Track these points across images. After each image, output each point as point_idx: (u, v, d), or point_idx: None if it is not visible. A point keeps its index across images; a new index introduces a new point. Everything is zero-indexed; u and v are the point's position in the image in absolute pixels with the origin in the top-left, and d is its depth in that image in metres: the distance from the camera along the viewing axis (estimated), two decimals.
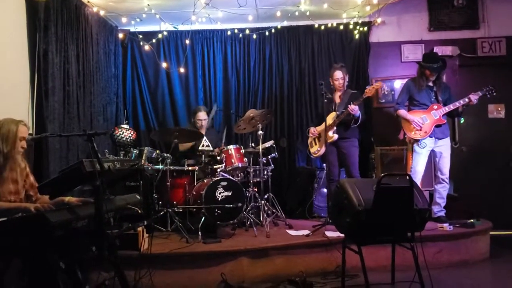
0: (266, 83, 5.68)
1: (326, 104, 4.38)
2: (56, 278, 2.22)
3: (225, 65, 5.72)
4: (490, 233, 4.26)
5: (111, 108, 5.17)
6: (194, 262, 3.48)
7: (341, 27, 5.56)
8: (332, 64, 5.12)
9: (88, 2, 4.56)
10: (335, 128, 4.52)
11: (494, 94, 4.40)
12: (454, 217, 4.39)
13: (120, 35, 5.47)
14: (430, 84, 4.48)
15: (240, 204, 4.13)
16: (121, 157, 4.51)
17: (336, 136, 4.51)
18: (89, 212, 2.40)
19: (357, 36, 5.54)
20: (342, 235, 3.22)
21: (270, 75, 5.69)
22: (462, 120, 5.32)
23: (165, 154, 4.53)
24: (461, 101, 4.34)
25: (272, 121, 5.53)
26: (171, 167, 4.41)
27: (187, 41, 5.56)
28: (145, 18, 5.15)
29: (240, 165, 4.45)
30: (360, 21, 5.52)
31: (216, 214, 4.05)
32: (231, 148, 4.53)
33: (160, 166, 4.44)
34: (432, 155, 4.51)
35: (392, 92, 5.56)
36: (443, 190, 4.44)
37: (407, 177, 2.92)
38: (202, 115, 5.09)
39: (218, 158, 4.57)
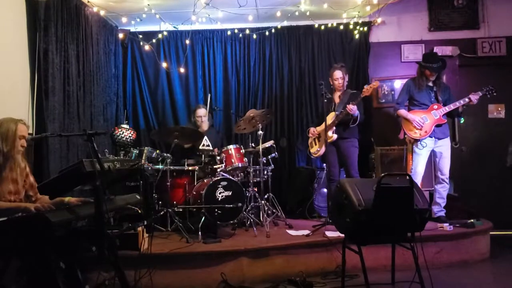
0: (266, 83, 5.68)
1: (326, 104, 4.38)
2: (55, 278, 2.23)
3: (225, 65, 5.72)
4: (490, 233, 4.26)
5: (111, 108, 5.17)
6: (194, 262, 3.48)
7: (341, 27, 5.57)
8: (332, 64, 5.13)
9: (88, 2, 4.55)
10: (334, 128, 4.52)
11: (494, 94, 4.40)
12: (454, 217, 4.39)
13: (120, 35, 5.47)
14: (430, 84, 4.48)
15: (240, 204, 4.13)
16: (121, 157, 4.51)
17: (335, 136, 4.51)
18: (89, 212, 2.40)
19: (357, 36, 5.54)
20: (342, 235, 3.22)
21: (270, 75, 5.69)
22: (462, 120, 5.32)
23: (165, 154, 4.53)
24: (461, 101, 4.34)
25: (272, 121, 5.52)
26: (171, 167, 4.41)
27: (187, 41, 5.56)
28: (145, 18, 5.15)
29: (240, 165, 4.45)
30: (360, 21, 5.52)
31: (216, 214, 4.05)
32: (231, 148, 4.53)
33: (160, 166, 4.44)
34: (432, 155, 4.51)
35: (392, 92, 5.56)
36: (443, 190, 4.44)
37: (407, 177, 2.92)
38: (201, 112, 5.09)
39: (218, 158, 4.58)
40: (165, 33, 5.53)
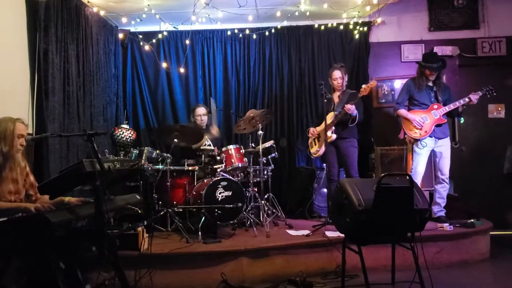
0: (266, 83, 5.68)
1: (326, 104, 4.39)
2: (55, 278, 2.23)
3: (225, 65, 5.72)
4: (490, 233, 4.26)
5: (111, 108, 5.17)
6: (194, 262, 3.48)
7: (341, 27, 5.57)
8: (332, 64, 5.12)
9: (88, 2, 4.56)
10: (333, 128, 4.52)
11: (494, 94, 4.40)
12: (454, 217, 4.39)
13: (120, 35, 5.47)
14: (430, 84, 4.48)
15: (240, 204, 4.13)
16: (121, 157, 4.52)
17: (334, 136, 4.51)
18: (89, 212, 2.40)
19: (357, 36, 5.54)
20: (342, 235, 3.22)
21: (270, 75, 5.69)
22: (462, 120, 5.32)
23: (165, 154, 4.53)
24: (461, 101, 4.34)
25: (272, 121, 5.53)
26: (171, 167, 4.41)
27: (187, 41, 5.56)
28: (145, 18, 5.15)
29: (240, 165, 4.45)
30: (360, 21, 5.52)
31: (216, 214, 4.05)
32: (231, 148, 4.53)
33: (160, 166, 4.44)
34: (432, 155, 4.51)
35: (392, 92, 5.57)
36: (443, 190, 4.44)
37: (407, 177, 2.92)
38: (200, 110, 5.09)
39: (218, 158, 4.58)
40: (165, 33, 5.53)
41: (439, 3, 5.56)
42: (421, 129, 4.37)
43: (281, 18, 5.37)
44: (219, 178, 4.22)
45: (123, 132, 4.82)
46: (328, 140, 4.49)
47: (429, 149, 4.41)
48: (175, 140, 4.48)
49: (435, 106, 4.40)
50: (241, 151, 4.56)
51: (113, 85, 5.27)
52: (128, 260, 3.10)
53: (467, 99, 4.33)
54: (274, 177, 5.01)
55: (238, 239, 3.94)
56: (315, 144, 4.78)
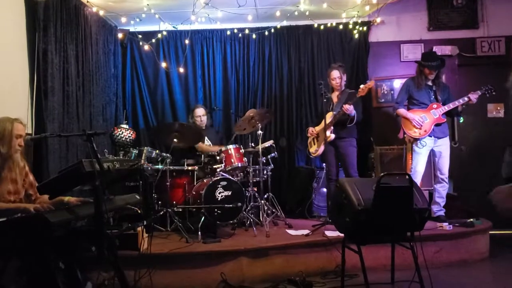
0: (265, 82, 5.68)
1: (325, 104, 4.39)
2: (55, 278, 2.23)
3: (225, 65, 5.71)
4: (490, 232, 4.27)
5: (110, 108, 5.16)
6: (194, 262, 3.48)
7: (341, 26, 5.57)
8: (331, 63, 5.12)
9: (88, 2, 4.55)
10: (332, 128, 4.52)
11: (494, 93, 4.40)
12: (453, 217, 4.39)
13: (120, 35, 5.46)
14: (429, 83, 4.48)
15: (239, 204, 4.13)
16: (121, 157, 4.51)
17: (333, 136, 4.51)
18: (88, 212, 2.40)
19: (356, 36, 5.54)
20: (342, 234, 3.22)
21: (269, 75, 5.69)
22: (461, 120, 5.32)
23: (164, 154, 4.53)
24: (461, 100, 4.34)
25: (272, 120, 5.52)
26: (171, 167, 4.41)
27: (187, 41, 5.56)
28: (145, 18, 5.15)
29: (239, 165, 4.45)
30: (359, 21, 5.52)
31: (215, 214, 4.05)
32: (231, 147, 4.53)
33: (160, 166, 4.44)
34: (432, 155, 4.51)
35: (392, 92, 5.57)
36: (442, 189, 4.44)
37: (407, 177, 2.92)
38: (199, 111, 5.10)
39: (218, 157, 4.58)
40: (164, 33, 5.53)
41: (439, 2, 5.56)
42: (420, 128, 4.37)
43: (281, 18, 5.37)
44: (218, 178, 4.22)
45: (122, 132, 4.82)
46: (327, 140, 4.49)
47: (428, 149, 4.42)
48: (175, 140, 4.47)
49: (435, 106, 4.40)
50: (240, 151, 4.56)
51: (113, 85, 5.27)
52: (128, 260, 3.10)
53: (466, 99, 4.33)
54: (274, 177, 5.01)
55: (238, 239, 3.94)
56: (314, 144, 4.78)
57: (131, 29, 5.51)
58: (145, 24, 5.41)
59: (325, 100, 4.34)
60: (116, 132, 4.82)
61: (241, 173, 4.72)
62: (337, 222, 3.18)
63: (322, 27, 5.55)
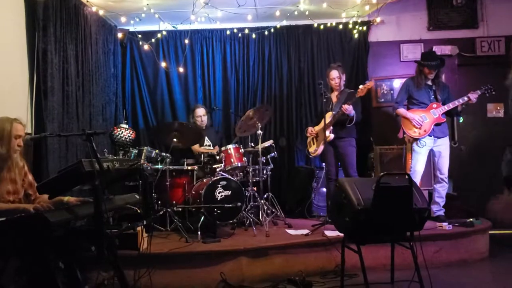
0: (265, 82, 5.68)
1: (325, 104, 4.39)
2: (55, 277, 2.23)
3: (224, 64, 5.71)
4: (489, 232, 4.27)
5: (110, 108, 5.16)
6: (194, 261, 3.48)
7: (340, 26, 5.57)
8: (331, 63, 5.12)
9: (87, 1, 4.55)
10: (331, 128, 4.52)
11: (493, 92, 4.40)
12: (453, 216, 4.39)
13: (119, 35, 5.46)
14: (429, 83, 4.48)
15: (239, 204, 4.13)
16: (120, 157, 4.51)
17: (332, 136, 4.51)
18: (88, 211, 2.40)
19: (356, 36, 5.54)
20: (342, 234, 3.22)
21: (269, 75, 5.69)
22: (461, 119, 5.32)
23: (164, 154, 4.53)
24: (460, 100, 4.34)
25: (272, 120, 5.53)
26: (170, 167, 4.41)
27: (186, 41, 5.56)
28: (144, 18, 5.15)
29: (239, 165, 4.45)
30: (359, 21, 5.53)
31: (215, 213, 4.05)
32: (231, 147, 4.53)
33: (160, 166, 4.44)
34: (431, 155, 4.51)
35: (391, 92, 5.57)
36: (442, 189, 4.44)
37: (406, 176, 2.92)
38: (199, 111, 5.10)
39: (218, 157, 4.58)
40: (164, 32, 5.53)
41: (438, 2, 5.57)
42: (420, 128, 4.37)
43: (280, 18, 5.37)
44: (218, 177, 4.22)
45: (122, 132, 4.82)
46: (327, 140, 4.49)
47: (428, 148, 4.42)
48: (174, 139, 4.47)
49: (434, 105, 4.40)
50: (240, 150, 4.56)
51: (112, 84, 5.27)
52: (127, 259, 3.10)
53: (466, 98, 4.33)
54: (274, 177, 5.01)
55: (238, 239, 3.94)
56: (313, 144, 4.78)
57: (131, 28, 5.51)
58: (145, 24, 5.41)
59: (324, 100, 4.34)
60: (115, 131, 4.82)
61: (241, 173, 4.72)
62: (337, 222, 3.18)
63: (322, 26, 5.55)
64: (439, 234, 3.97)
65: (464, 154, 5.46)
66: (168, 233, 4.18)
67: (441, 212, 4.42)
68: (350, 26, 5.53)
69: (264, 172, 4.70)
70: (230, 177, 4.31)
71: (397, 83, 5.46)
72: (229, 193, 4.17)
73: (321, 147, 4.58)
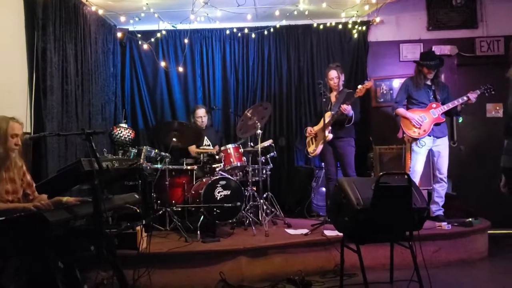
0: (265, 82, 5.68)
1: (324, 104, 4.39)
2: (54, 277, 2.22)
3: (224, 64, 5.71)
4: (488, 232, 4.28)
5: (109, 107, 5.16)
6: (193, 261, 3.48)
7: (340, 26, 5.57)
8: (330, 63, 5.12)
9: (87, 1, 4.55)
10: (330, 128, 4.52)
11: (493, 92, 4.41)
12: (452, 216, 4.40)
13: (119, 34, 5.46)
14: (428, 83, 4.48)
15: (239, 203, 4.13)
16: (120, 156, 4.51)
17: (331, 136, 4.51)
18: (87, 211, 2.40)
19: (355, 35, 5.54)
20: (341, 234, 3.23)
21: (269, 74, 5.69)
22: (460, 119, 5.32)
23: (163, 153, 4.52)
24: (460, 100, 4.35)
25: (271, 120, 5.53)
26: (170, 166, 4.41)
27: (186, 40, 5.55)
28: (144, 17, 5.14)
29: (239, 164, 4.45)
30: (358, 20, 5.52)
31: (215, 213, 4.05)
32: (230, 147, 4.53)
33: (159, 165, 4.43)
34: (430, 154, 4.51)
35: (391, 91, 5.57)
36: (441, 189, 4.45)
37: (406, 176, 2.92)
38: (200, 112, 5.10)
39: (217, 157, 4.57)
40: (163, 32, 5.52)
41: (438, 2, 5.56)
42: (419, 128, 4.37)
43: (280, 17, 5.37)
44: (218, 177, 4.22)
45: (121, 131, 4.82)
46: (326, 140, 4.48)
47: (427, 148, 4.42)
48: (174, 139, 4.47)
49: (434, 105, 4.40)
50: (239, 150, 4.56)
51: (112, 84, 5.27)
52: (127, 259, 3.10)
53: (465, 98, 4.33)
54: (273, 176, 5.01)
55: (237, 238, 3.94)
56: (312, 144, 4.78)
57: (130, 28, 5.50)
58: (144, 23, 5.40)
59: (324, 100, 4.34)
60: (115, 131, 4.81)
61: (240, 173, 4.72)
62: (336, 222, 3.18)
63: (321, 26, 5.55)
64: (438, 234, 3.98)
65: (463, 154, 5.47)
66: (168, 233, 4.18)
67: (440, 212, 4.42)
68: (350, 26, 5.53)
69: (264, 171, 4.70)
70: (229, 176, 4.31)
71: (397, 83, 5.47)
72: (229, 192, 4.17)
73: (320, 147, 4.58)
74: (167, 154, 4.48)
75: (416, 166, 4.39)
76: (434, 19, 5.59)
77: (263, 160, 4.65)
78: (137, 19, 5.20)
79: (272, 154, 4.82)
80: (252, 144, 4.82)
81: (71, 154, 4.08)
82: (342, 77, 4.72)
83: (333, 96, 4.72)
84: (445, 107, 4.37)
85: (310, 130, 4.78)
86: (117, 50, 5.48)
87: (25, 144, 2.86)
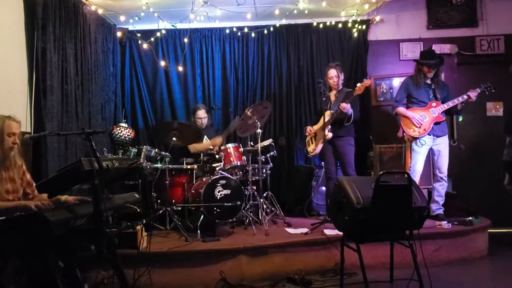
0: (264, 81, 5.68)
1: (324, 103, 4.39)
2: (54, 277, 2.23)
3: (224, 63, 5.71)
4: (489, 230, 4.28)
5: (109, 107, 5.16)
6: (193, 260, 3.48)
7: (340, 25, 5.57)
8: (329, 62, 5.12)
9: (87, 0, 4.55)
10: (329, 126, 4.52)
11: (493, 90, 4.41)
12: (452, 215, 4.40)
13: (119, 34, 5.46)
14: (428, 81, 4.48)
15: (239, 203, 4.13)
16: (120, 156, 4.51)
17: (330, 135, 4.51)
18: (87, 211, 2.40)
19: (355, 34, 5.54)
20: (341, 233, 3.23)
21: (268, 74, 5.69)
22: (460, 118, 5.32)
23: (163, 153, 4.53)
24: (460, 98, 4.34)
25: (271, 119, 5.52)
26: (170, 166, 4.41)
27: (186, 40, 5.55)
28: (144, 17, 5.14)
29: (239, 164, 4.45)
30: (358, 19, 5.52)
31: (215, 212, 4.05)
32: (230, 146, 4.53)
33: (159, 165, 4.43)
34: (431, 153, 4.51)
35: (391, 90, 5.57)
36: (441, 188, 4.44)
37: (406, 175, 2.92)
38: (201, 113, 5.09)
39: (217, 156, 4.57)
40: (163, 31, 5.52)
41: (438, 1, 5.56)
42: (420, 127, 4.37)
43: (280, 16, 5.37)
44: (218, 176, 4.22)
45: (121, 131, 4.82)
46: (326, 139, 4.48)
47: (427, 147, 4.42)
48: (174, 138, 4.47)
49: (434, 104, 4.40)
50: (239, 149, 4.56)
51: (112, 83, 5.27)
52: (127, 258, 3.10)
53: (465, 96, 4.33)
54: (273, 176, 5.01)
55: (237, 238, 3.95)
56: (312, 143, 4.78)
57: (130, 27, 5.50)
58: (144, 23, 5.40)
59: (324, 99, 4.34)
60: (115, 130, 4.81)
61: (240, 172, 4.72)
62: (336, 221, 3.18)
63: (321, 25, 5.55)
64: (438, 232, 3.98)
65: (463, 153, 5.46)
66: (168, 232, 4.18)
67: (441, 211, 4.42)
68: (350, 24, 5.53)
69: (264, 171, 4.70)
70: (229, 176, 4.31)
71: (397, 82, 5.46)
72: (229, 192, 4.17)
73: (320, 146, 4.58)
74: (167, 153, 4.48)
75: (416, 165, 4.39)
76: (434, 17, 5.58)
77: (263, 159, 4.65)
78: (136, 18, 5.20)
79: (272, 153, 4.82)
80: (252, 143, 4.82)
81: (71, 154, 4.08)
82: (342, 76, 4.72)
83: (332, 95, 4.72)
84: (445, 106, 4.37)
85: (310, 129, 4.78)
86: (117, 50, 5.48)
87: (25, 144, 2.86)
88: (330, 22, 5.57)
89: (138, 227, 3.45)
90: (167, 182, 4.31)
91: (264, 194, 4.64)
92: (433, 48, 5.28)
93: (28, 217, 2.20)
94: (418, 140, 4.39)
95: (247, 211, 4.40)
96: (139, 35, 5.46)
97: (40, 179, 3.11)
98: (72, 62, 4.22)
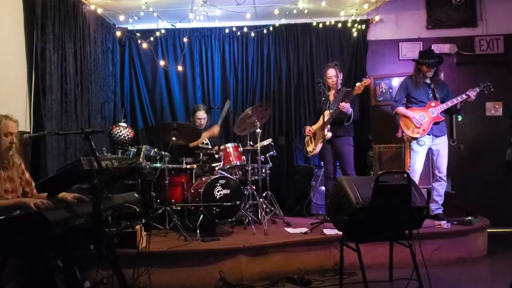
0: (264, 81, 5.68)
1: (323, 102, 4.39)
2: (54, 276, 2.23)
3: (223, 63, 5.71)
4: (488, 230, 4.28)
5: (109, 106, 5.16)
6: (193, 260, 3.48)
7: (339, 25, 5.57)
8: (329, 62, 5.12)
9: (86, 0, 4.54)
10: (329, 126, 4.52)
11: (492, 89, 4.41)
12: (451, 215, 4.39)
13: (118, 33, 5.46)
14: (428, 81, 4.48)
15: (238, 202, 4.13)
16: (119, 156, 4.50)
17: (329, 134, 4.51)
18: (87, 210, 2.40)
19: (355, 34, 5.54)
20: (340, 232, 3.23)
21: (268, 73, 5.69)
22: (459, 118, 5.32)
23: (163, 152, 4.52)
24: (459, 98, 4.34)
25: (270, 119, 5.52)
26: (169, 165, 4.41)
27: (185, 39, 5.55)
28: (143, 16, 5.14)
29: (238, 163, 4.45)
30: (358, 19, 5.52)
31: (214, 212, 4.05)
32: (229, 146, 4.53)
33: (158, 164, 4.43)
34: (430, 153, 4.51)
35: (390, 90, 5.57)
36: (440, 188, 4.45)
37: (405, 175, 2.93)
38: (201, 114, 5.09)
39: (217, 156, 4.57)
40: (162, 31, 5.52)
41: (437, 1, 5.57)
42: (419, 127, 4.37)
43: (279, 16, 5.37)
44: (217, 176, 4.22)
45: (121, 130, 4.81)
46: (325, 138, 4.48)
47: (426, 147, 4.42)
48: (173, 138, 4.47)
49: (433, 104, 4.40)
50: (239, 149, 4.56)
51: (111, 83, 5.27)
52: (126, 258, 3.10)
53: (464, 96, 4.33)
54: (272, 175, 5.01)
55: (237, 237, 3.95)
56: (311, 143, 4.78)
57: (130, 27, 5.50)
58: (144, 22, 5.40)
59: (323, 99, 4.34)
60: (114, 130, 4.81)
61: (240, 172, 4.72)
62: (336, 220, 3.18)
63: (320, 25, 5.56)
64: (437, 232, 3.98)
65: (462, 153, 5.47)
66: (167, 232, 4.17)
67: (440, 211, 4.42)
68: (349, 24, 5.53)
69: (263, 170, 4.71)
70: (229, 175, 4.31)
71: (396, 82, 5.46)
72: (228, 191, 4.16)
73: (319, 146, 4.58)
74: (166, 153, 4.48)
75: (416, 165, 4.39)
76: (433, 17, 5.59)
77: (263, 159, 4.65)
78: (136, 18, 5.20)
79: (271, 153, 4.82)
80: (251, 143, 4.82)
81: (71, 153, 4.08)
82: (341, 76, 4.72)
83: (331, 94, 4.72)
84: (444, 106, 4.37)
85: (309, 129, 4.78)
86: (116, 49, 5.48)
87: (24, 143, 2.85)
88: (330, 22, 5.57)
89: (138, 227, 3.45)
90: (166, 181, 4.31)
91: (264, 194, 4.65)
92: (432, 48, 5.27)
93: (28, 216, 2.19)
94: (417, 140, 4.39)
95: (247, 210, 4.41)
96: (138, 34, 5.46)
97: (39, 178, 3.11)
98: (71, 62, 4.22)
